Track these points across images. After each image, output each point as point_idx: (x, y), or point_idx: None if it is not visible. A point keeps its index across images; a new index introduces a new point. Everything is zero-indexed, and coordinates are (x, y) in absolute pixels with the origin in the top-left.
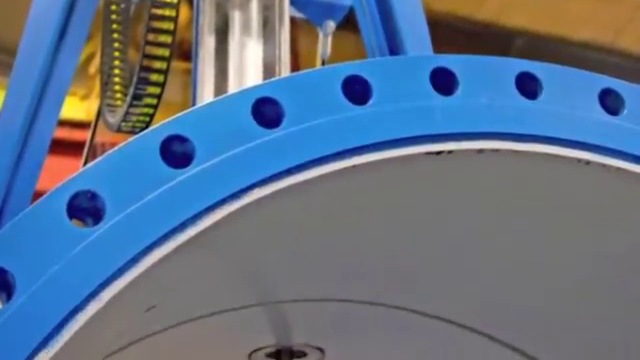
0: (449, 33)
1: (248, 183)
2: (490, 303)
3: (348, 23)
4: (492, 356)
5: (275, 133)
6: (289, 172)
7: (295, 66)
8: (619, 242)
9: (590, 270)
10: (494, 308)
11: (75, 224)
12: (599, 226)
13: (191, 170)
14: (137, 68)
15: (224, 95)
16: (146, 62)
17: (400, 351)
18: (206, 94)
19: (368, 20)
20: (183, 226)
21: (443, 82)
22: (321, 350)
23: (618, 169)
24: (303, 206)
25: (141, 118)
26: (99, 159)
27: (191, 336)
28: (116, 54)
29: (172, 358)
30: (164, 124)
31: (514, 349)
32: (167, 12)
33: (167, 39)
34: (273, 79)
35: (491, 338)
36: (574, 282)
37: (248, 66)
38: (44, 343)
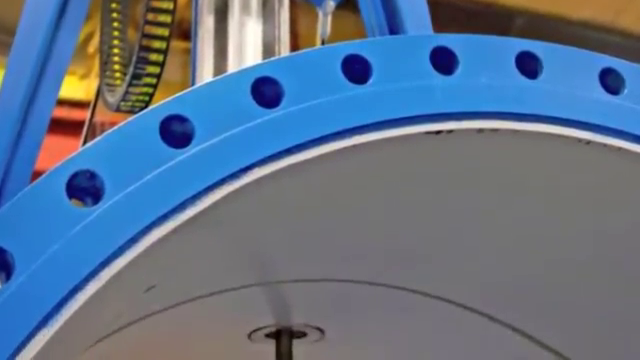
0: (449, 12)
1: (248, 163)
2: (490, 283)
3: (348, 2)
4: (492, 336)
5: (275, 113)
6: (289, 152)
7: (294, 46)
8: (619, 221)
9: (590, 249)
10: (494, 288)
11: (74, 204)
12: (599, 205)
13: (191, 150)
14: (136, 47)
15: (223, 75)
16: (145, 41)
17: (400, 331)
18: (205, 74)
19: None
20: (183, 206)
21: (443, 61)
22: (321, 330)
23: (619, 149)
24: (303, 186)
25: (140, 97)
26: (98, 139)
27: (191, 316)
28: (115, 33)
29: (171, 338)
30: (163, 104)
31: (514, 329)
32: None
33: (166, 18)
34: (273, 59)
35: (491, 318)
36: (574, 261)
37: (247, 46)
38: (44, 322)
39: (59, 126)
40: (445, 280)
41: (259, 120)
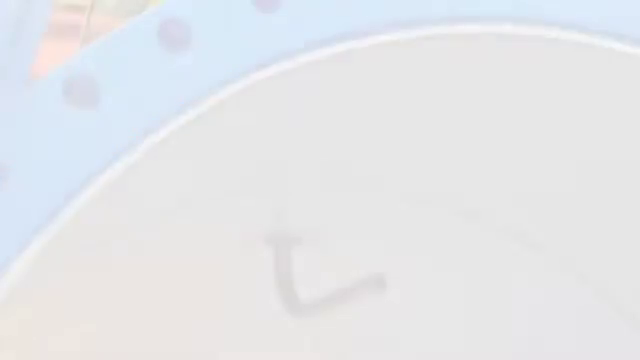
0: None
1: (247, 67)
2: (487, 188)
3: None
4: (488, 242)
5: (274, 15)
6: (288, 55)
7: None
8: (620, 126)
9: (590, 153)
10: (491, 193)
11: (71, 109)
12: (600, 110)
13: (189, 53)
14: None
15: None
16: None
17: (400, 242)
18: None
19: None
20: (180, 111)
21: None
22: (319, 240)
23: (621, 52)
24: (303, 91)
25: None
26: (95, 42)
27: (188, 224)
28: None
29: (169, 246)
30: (162, 6)
31: (510, 233)
32: None
33: None
34: None
35: (487, 223)
36: (571, 164)
37: None
38: (39, 229)
39: (55, 29)
40: (444, 187)
41: (259, 23)
